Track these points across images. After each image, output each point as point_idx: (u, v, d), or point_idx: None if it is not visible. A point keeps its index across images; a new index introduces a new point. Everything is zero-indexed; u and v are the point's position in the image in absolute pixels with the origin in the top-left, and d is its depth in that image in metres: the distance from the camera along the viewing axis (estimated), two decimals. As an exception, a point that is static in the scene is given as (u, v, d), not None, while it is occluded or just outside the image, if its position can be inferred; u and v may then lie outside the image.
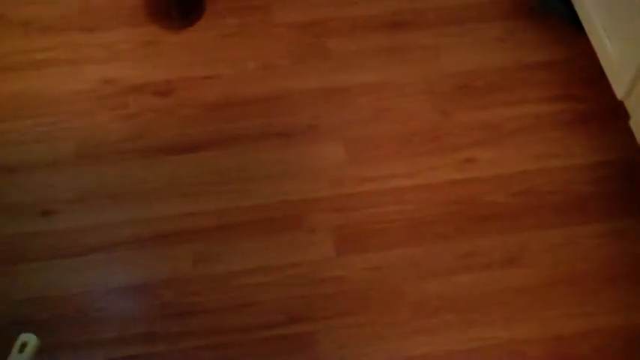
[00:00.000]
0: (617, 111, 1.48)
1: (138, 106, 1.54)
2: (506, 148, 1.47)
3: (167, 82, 1.59)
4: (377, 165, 1.43)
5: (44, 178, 1.43)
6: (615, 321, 1.26)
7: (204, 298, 1.28)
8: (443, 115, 1.50)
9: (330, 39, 1.68)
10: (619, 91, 1.42)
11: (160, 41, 1.66)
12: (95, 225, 1.37)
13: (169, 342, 1.25)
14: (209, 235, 1.35)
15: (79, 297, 1.29)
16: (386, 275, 1.30)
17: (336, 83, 1.59)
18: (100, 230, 1.36)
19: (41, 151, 1.46)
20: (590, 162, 1.45)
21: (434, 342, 1.24)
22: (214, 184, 1.42)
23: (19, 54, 1.63)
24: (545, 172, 1.43)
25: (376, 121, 1.50)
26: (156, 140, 1.49)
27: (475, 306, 1.27)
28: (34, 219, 1.38)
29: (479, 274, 1.30)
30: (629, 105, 1.41)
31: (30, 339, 1.18)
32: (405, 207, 1.38)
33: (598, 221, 1.37)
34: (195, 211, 1.38)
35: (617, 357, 1.22)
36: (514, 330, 1.25)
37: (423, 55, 1.63)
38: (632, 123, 1.40)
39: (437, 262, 1.32)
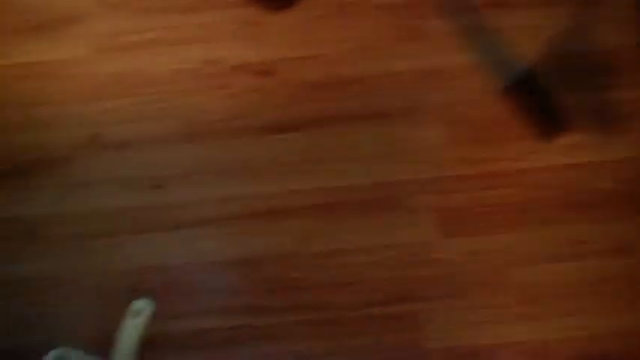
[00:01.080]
0: None
1: (240, 85, 1.56)
2: (615, 133, 1.42)
3: (268, 62, 1.60)
4: (479, 148, 1.41)
5: (153, 153, 1.46)
6: None
7: (307, 274, 1.30)
8: (547, 98, 1.46)
9: (428, 20, 1.65)
10: None
11: (260, 22, 1.66)
12: (203, 199, 1.39)
13: (273, 315, 1.27)
14: (313, 214, 1.36)
15: (187, 267, 1.32)
16: (489, 259, 1.29)
17: (435, 64, 1.57)
18: (208, 205, 1.39)
19: (149, 128, 1.50)
20: (700, 148, 1.39)
21: (537, 329, 1.23)
22: (317, 163, 1.43)
23: (122, 35, 1.66)
24: (652, 159, 1.38)
25: (478, 104, 1.48)
26: (258, 119, 1.50)
27: (580, 294, 1.25)
28: (145, 192, 1.41)
29: (586, 262, 1.28)
30: None
31: (144, 305, 1.22)
32: (508, 191, 1.36)
33: None
34: (300, 189, 1.39)
35: None
36: (622, 320, 1.23)
37: (524, 35, 1.59)
38: None
39: (541, 248, 1.30)
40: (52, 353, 1.17)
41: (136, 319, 1.19)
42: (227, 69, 1.59)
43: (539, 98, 1.38)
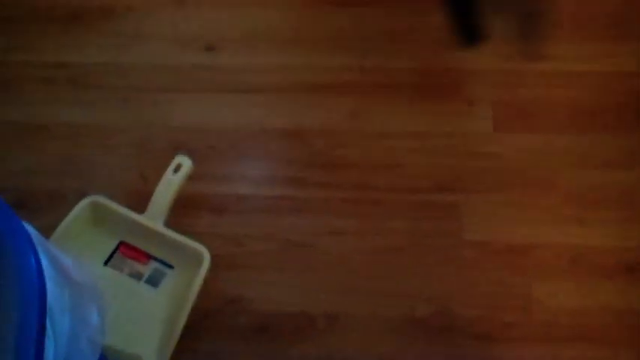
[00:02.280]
0: None
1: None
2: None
3: None
4: (550, 43, 1.33)
5: (213, 13, 1.43)
6: None
7: (354, 152, 1.26)
8: (628, 1, 1.35)
9: None
10: None
11: None
12: (256, 66, 1.36)
13: (316, 189, 1.24)
14: (368, 92, 1.32)
15: (233, 132, 1.30)
16: (543, 159, 1.23)
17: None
18: (261, 71, 1.35)
19: (209, -12, 1.44)
20: None
21: (582, 234, 1.18)
22: (376, 42, 1.37)
23: None
24: None
25: (559, -1, 1.38)
26: (324, -10, 1.44)
27: (633, 205, 1.19)
28: (199, 52, 1.38)
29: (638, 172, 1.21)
30: None
31: (185, 161, 1.20)
32: (573, 92, 1.29)
33: None
34: (355, 66, 1.35)
35: None
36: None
37: None
38: None
39: (599, 154, 1.23)
40: (87, 199, 1.18)
41: (175, 175, 1.17)
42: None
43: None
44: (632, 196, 1.22)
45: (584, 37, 1.36)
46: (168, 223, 1.17)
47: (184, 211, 1.24)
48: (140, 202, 1.18)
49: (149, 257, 1.19)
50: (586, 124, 1.28)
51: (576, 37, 1.36)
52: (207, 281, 1.12)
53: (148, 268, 1.18)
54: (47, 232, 1.12)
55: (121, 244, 1.19)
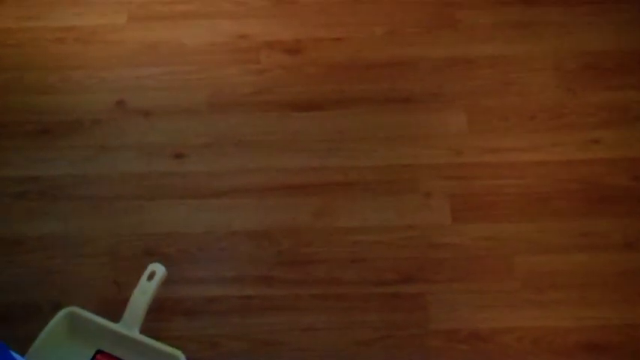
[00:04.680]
0: None
1: (268, 61, 1.60)
2: (632, 132, 1.45)
3: (297, 41, 1.64)
4: (498, 137, 1.45)
5: (178, 122, 1.52)
6: None
7: (320, 249, 1.34)
8: (569, 92, 1.49)
9: (459, 10, 1.69)
10: None
11: (293, 1, 1.71)
12: (223, 170, 1.44)
13: (285, 287, 1.31)
14: (330, 191, 1.41)
15: (202, 236, 1.37)
16: (499, 246, 1.33)
17: (461, 53, 1.61)
18: (227, 176, 1.44)
19: (176, 98, 1.55)
20: None
21: (543, 316, 1.26)
22: (337, 142, 1.47)
23: (159, 4, 1.71)
24: (672, 160, 1.41)
25: (500, 94, 1.51)
26: (284, 96, 1.55)
27: (589, 285, 1.29)
28: (167, 160, 1.46)
29: (594, 255, 1.32)
30: None
31: (158, 269, 1.27)
32: (523, 181, 1.40)
33: None
34: (318, 166, 1.44)
35: None
36: (627, 313, 1.26)
37: (552, 31, 1.62)
38: None
39: (551, 239, 1.33)
40: (63, 312, 1.23)
41: (149, 283, 1.23)
42: (257, 44, 1.64)
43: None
44: (585, 277, 1.32)
45: (529, 129, 1.48)
46: (144, 329, 1.22)
47: (158, 315, 1.29)
48: (115, 310, 1.24)
49: (126, 365, 1.23)
50: (537, 211, 1.39)
51: (522, 130, 1.48)
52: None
53: (126, 376, 1.22)
54: (24, 344, 1.17)
55: (98, 352, 1.24)
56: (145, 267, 1.28)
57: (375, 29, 1.67)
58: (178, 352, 1.21)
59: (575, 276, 1.32)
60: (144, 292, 1.26)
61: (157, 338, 1.22)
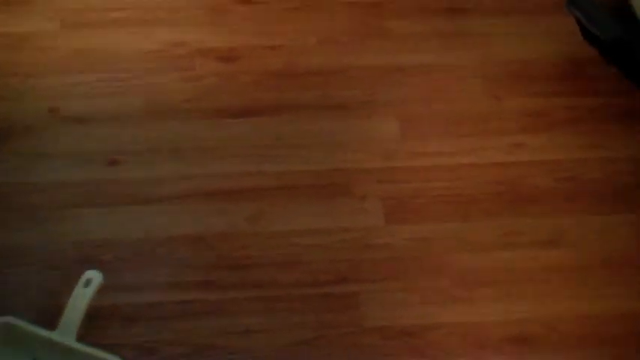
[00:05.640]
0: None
1: (203, 69, 1.64)
2: (554, 136, 1.55)
3: (232, 49, 1.68)
4: (428, 142, 1.52)
5: (112, 129, 1.54)
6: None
7: (257, 253, 1.38)
8: (495, 99, 1.57)
9: (389, 20, 1.76)
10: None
11: (228, 9, 1.75)
12: (158, 177, 1.47)
13: (223, 291, 1.35)
14: (265, 196, 1.45)
15: (139, 242, 1.40)
16: (430, 246, 1.39)
17: (392, 62, 1.67)
18: (163, 182, 1.47)
19: (111, 105, 1.57)
20: (633, 155, 1.52)
21: (470, 312, 1.33)
22: (272, 148, 1.52)
23: (92, 12, 1.73)
24: (589, 162, 1.51)
25: (429, 101, 1.59)
26: (218, 103, 1.59)
27: (513, 281, 1.37)
28: (102, 167, 1.48)
29: (519, 252, 1.40)
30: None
31: (94, 276, 1.29)
32: (452, 184, 1.47)
33: (637, 211, 1.43)
34: (253, 171, 1.48)
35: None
36: (549, 307, 1.34)
37: (479, 41, 1.70)
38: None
39: (480, 238, 1.40)
40: (-2, 321, 1.23)
41: (85, 290, 1.25)
42: (191, 52, 1.67)
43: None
44: (511, 274, 1.40)
45: (457, 134, 1.56)
46: (81, 337, 1.24)
47: (95, 322, 1.31)
48: (52, 318, 1.25)
49: (64, 373, 1.24)
50: (466, 212, 1.46)
51: (451, 135, 1.56)
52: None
53: (64, 384, 1.23)
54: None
55: (35, 362, 1.25)
56: (81, 274, 1.30)
57: (309, 38, 1.73)
58: (117, 358, 1.23)
59: (502, 273, 1.40)
60: (80, 300, 1.27)
61: (95, 345, 1.24)
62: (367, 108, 1.62)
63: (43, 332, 1.25)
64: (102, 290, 1.30)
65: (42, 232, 1.44)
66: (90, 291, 1.29)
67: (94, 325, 1.30)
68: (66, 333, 1.24)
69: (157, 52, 1.68)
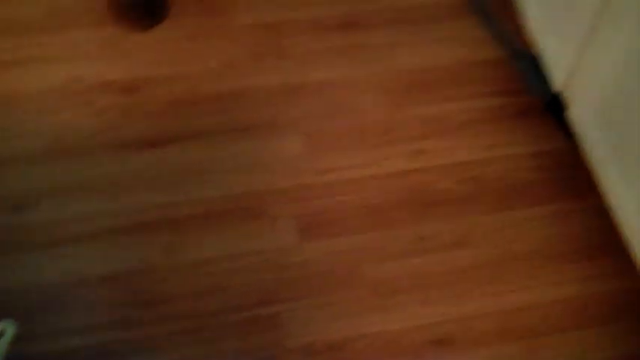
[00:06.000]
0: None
1: (105, 103, 1.63)
2: (454, 140, 1.60)
3: (133, 80, 1.68)
4: (334, 157, 1.56)
5: (17, 173, 1.51)
6: (558, 293, 1.41)
7: (175, 285, 1.39)
8: (396, 109, 1.62)
9: (287, 39, 1.79)
10: (557, 84, 1.57)
11: (125, 41, 1.75)
12: (68, 217, 1.46)
13: (144, 328, 1.35)
14: (178, 225, 1.45)
15: (53, 287, 1.39)
16: (346, 259, 1.43)
17: (294, 80, 1.70)
18: (73, 222, 1.46)
19: (13, 148, 1.55)
20: (532, 151, 1.60)
21: (389, 320, 1.37)
22: (181, 177, 1.53)
23: (-17, 55, 1.69)
24: (490, 161, 1.57)
25: (333, 116, 1.62)
26: (123, 136, 1.59)
27: (427, 285, 1.41)
28: (7, 213, 1.46)
29: (430, 256, 1.45)
30: (567, 96, 1.56)
31: (7, 326, 1.26)
32: (361, 195, 1.51)
33: (540, 204, 1.52)
34: (165, 202, 1.48)
35: (561, 326, 1.37)
36: (464, 307, 1.39)
37: (375, 53, 1.75)
38: (570, 113, 1.54)
39: (392, 246, 1.45)
40: None
41: None
42: (92, 87, 1.66)
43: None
44: (424, 278, 1.45)
45: (362, 147, 1.61)
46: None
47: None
48: (-33, 375, 1.22)
49: None
50: (377, 222, 1.51)
51: (356, 147, 1.60)
52: None
53: None
54: None
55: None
56: (-7, 326, 1.28)
57: (209, 63, 1.75)
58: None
59: (415, 278, 1.45)
60: (-7, 352, 1.25)
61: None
62: (273, 128, 1.64)
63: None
64: (17, 340, 1.28)
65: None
66: (4, 342, 1.27)
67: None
68: (-17, 387, 1.22)
69: (55, 90, 1.66)
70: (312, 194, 1.55)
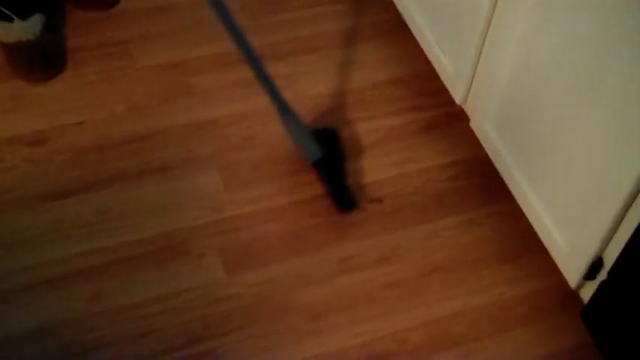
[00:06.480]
0: (460, 115, 1.70)
1: (13, 158, 1.62)
2: (366, 159, 1.66)
3: (39, 132, 1.67)
4: (251, 188, 1.59)
5: None
6: (484, 297, 1.47)
7: (104, 332, 1.38)
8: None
9: (192, 77, 1.82)
10: (458, 98, 1.65)
11: (26, 94, 1.74)
12: (-14, 277, 1.43)
13: (75, 380, 1.33)
14: (102, 273, 1.46)
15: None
16: (274, 287, 1.46)
17: (203, 117, 1.73)
18: (-8, 281, 1.42)
19: None
20: (443, 162, 1.68)
21: (325, 343, 1.41)
22: (99, 224, 1.52)
23: None
24: (404, 177, 1.64)
25: (245, 148, 1.66)
26: (36, 189, 1.58)
27: (357, 304, 1.45)
28: None
29: (356, 275, 1.49)
30: (468, 109, 1.64)
31: None
32: (282, 222, 1.55)
33: (456, 213, 1.59)
34: (85, 251, 1.48)
35: (491, 329, 1.43)
36: (396, 320, 1.44)
37: (281, 83, 1.79)
38: (473, 124, 1.63)
39: (318, 269, 1.49)
40: None
41: None
42: (0, 143, 1.63)
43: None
44: (352, 298, 1.49)
45: (277, 175, 1.64)
46: None
47: None
48: None
49: None
50: (299, 248, 1.55)
51: (271, 176, 1.64)
52: None
53: None
54: None
55: None
56: None
57: (116, 107, 1.75)
58: None
59: (345, 298, 1.48)
60: None
61: None
62: (188, 165, 1.66)
63: None
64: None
65: None
66: None
67: None
68: None
69: (-40, 149, 1.63)
70: (233, 226, 1.57)
